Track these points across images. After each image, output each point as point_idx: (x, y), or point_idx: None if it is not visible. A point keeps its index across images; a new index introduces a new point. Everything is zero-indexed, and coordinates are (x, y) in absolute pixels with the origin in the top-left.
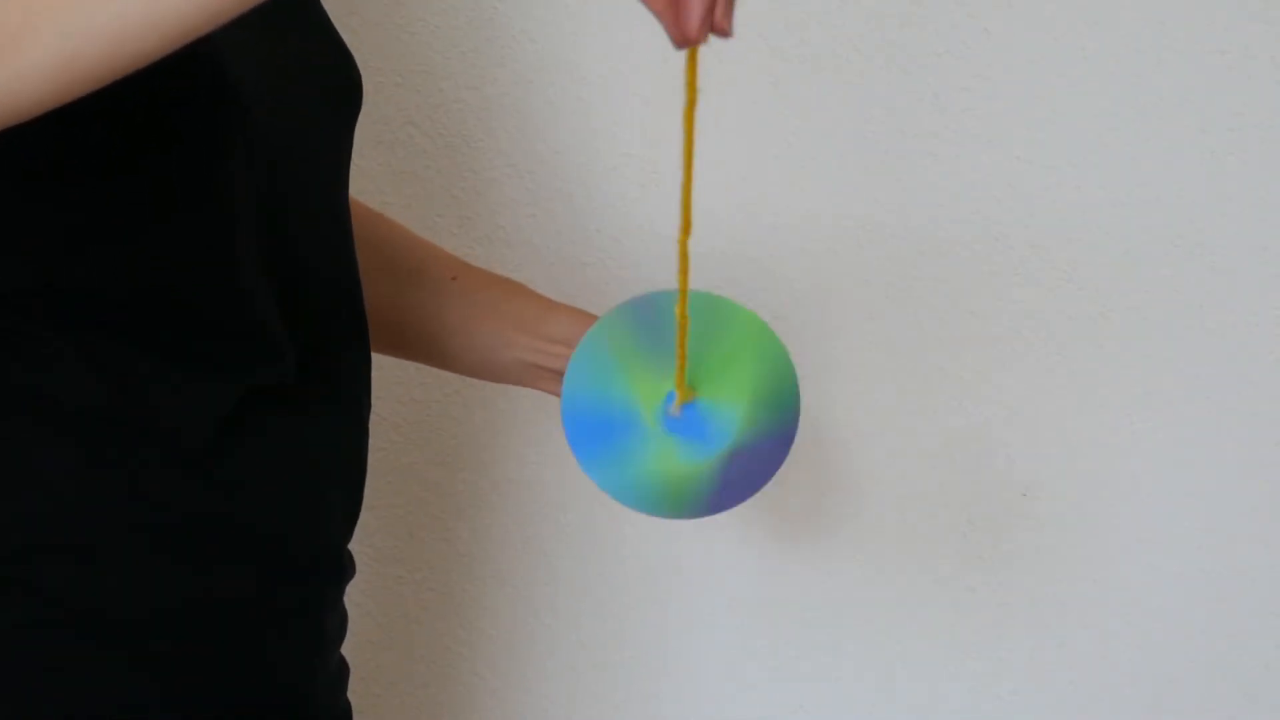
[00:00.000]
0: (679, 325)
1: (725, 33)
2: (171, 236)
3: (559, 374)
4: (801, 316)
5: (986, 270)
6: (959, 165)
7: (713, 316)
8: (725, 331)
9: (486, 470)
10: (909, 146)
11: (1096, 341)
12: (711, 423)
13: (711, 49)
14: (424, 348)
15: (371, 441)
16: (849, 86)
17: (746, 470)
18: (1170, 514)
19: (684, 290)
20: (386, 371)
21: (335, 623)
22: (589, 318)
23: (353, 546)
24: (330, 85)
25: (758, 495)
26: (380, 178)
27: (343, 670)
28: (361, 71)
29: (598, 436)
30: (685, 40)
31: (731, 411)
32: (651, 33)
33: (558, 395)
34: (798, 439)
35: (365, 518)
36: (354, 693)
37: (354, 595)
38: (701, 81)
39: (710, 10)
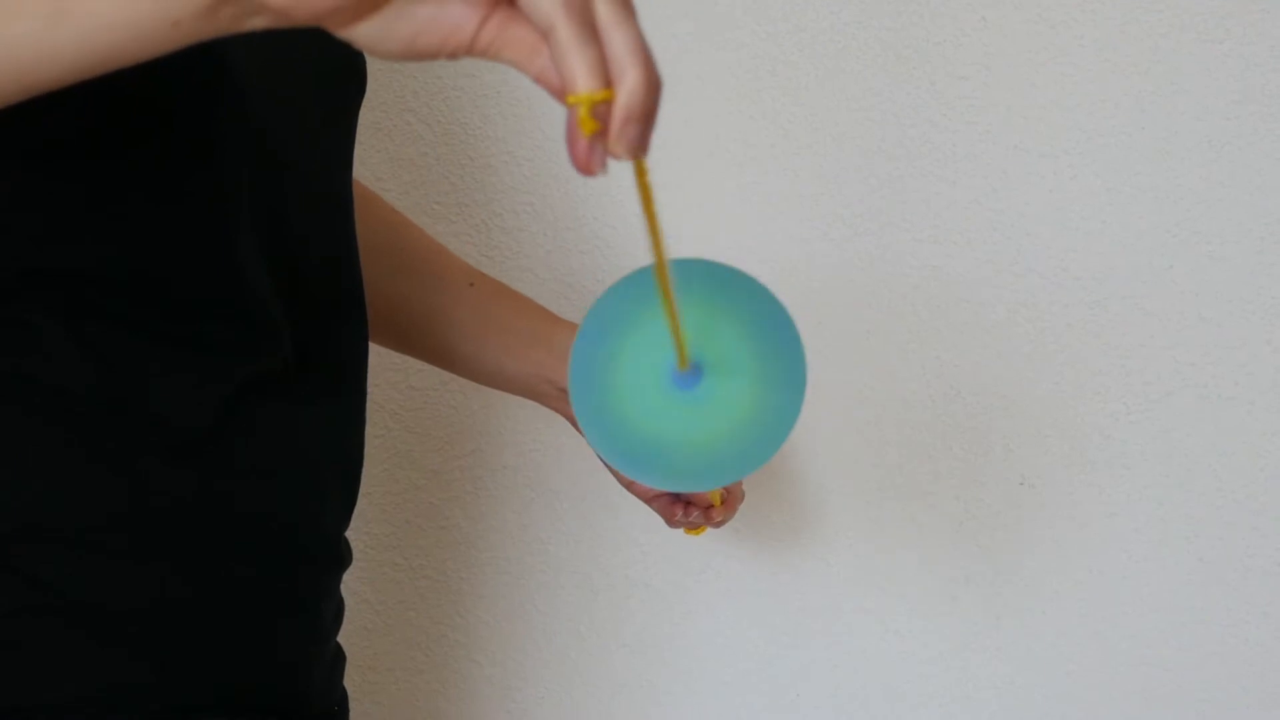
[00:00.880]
0: (661, 288)
1: (630, 156)
2: (164, 218)
3: (564, 392)
4: (796, 304)
5: (983, 258)
6: (955, 153)
7: (717, 284)
8: (731, 299)
9: (484, 458)
10: (906, 134)
11: (1094, 330)
12: (714, 391)
13: (706, 37)
14: (432, 350)
15: (369, 429)
16: (846, 75)
17: (749, 440)
18: (1167, 503)
19: (658, 242)
20: (384, 359)
21: (332, 610)
22: None
23: (350, 534)
24: (331, 66)
25: (755, 482)
26: (378, 164)
27: (339, 657)
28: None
29: (603, 397)
30: (584, 171)
31: (737, 381)
32: (650, 22)
33: (562, 414)
34: (795, 430)
35: (362, 505)
36: (351, 680)
37: (351, 583)
38: (697, 67)
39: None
